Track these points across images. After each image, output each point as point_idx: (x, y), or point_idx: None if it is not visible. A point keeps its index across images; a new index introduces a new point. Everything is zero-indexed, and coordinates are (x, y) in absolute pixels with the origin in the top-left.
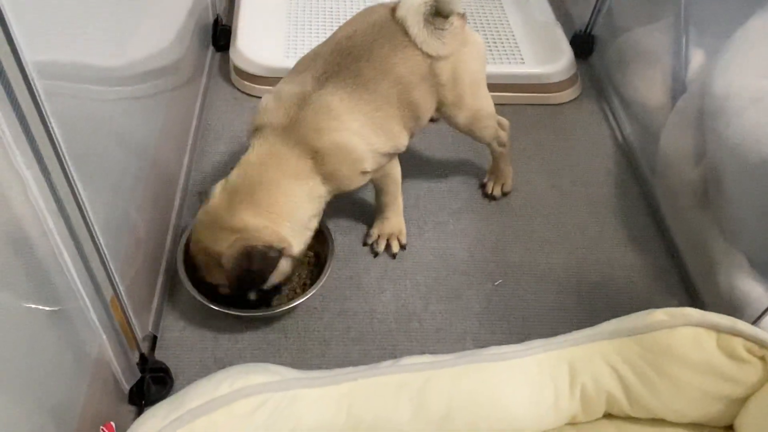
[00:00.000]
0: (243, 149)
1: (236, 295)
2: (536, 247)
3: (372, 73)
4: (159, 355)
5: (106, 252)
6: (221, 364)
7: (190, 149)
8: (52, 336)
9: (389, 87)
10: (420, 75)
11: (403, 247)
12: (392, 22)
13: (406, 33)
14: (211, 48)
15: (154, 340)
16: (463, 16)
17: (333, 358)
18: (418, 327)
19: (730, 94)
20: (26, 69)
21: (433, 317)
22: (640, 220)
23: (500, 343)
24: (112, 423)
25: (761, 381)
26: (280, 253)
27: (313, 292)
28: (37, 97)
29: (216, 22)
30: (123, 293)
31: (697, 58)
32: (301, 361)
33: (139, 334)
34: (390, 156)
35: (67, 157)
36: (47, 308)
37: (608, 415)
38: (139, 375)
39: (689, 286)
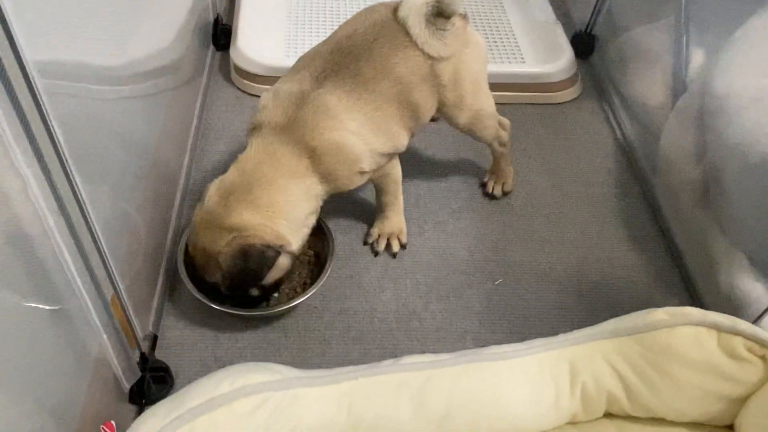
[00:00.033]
0: (243, 148)
1: (234, 292)
2: (537, 247)
3: (372, 72)
4: (159, 354)
5: (106, 251)
6: (221, 363)
7: (191, 148)
8: (53, 335)
9: (389, 87)
10: (420, 75)
11: (403, 246)
12: (393, 22)
13: (407, 33)
14: (212, 47)
15: (154, 340)
16: (464, 16)
17: (333, 357)
18: (418, 326)
19: (731, 94)
20: (27, 68)
21: (433, 316)
22: (641, 219)
23: (501, 342)
24: (113, 422)
25: (762, 380)
26: (278, 250)
27: (314, 291)
28: (38, 96)
29: (216, 21)
30: (123, 292)
31: (697, 58)
32: (301, 361)
33: (140, 334)
34: (389, 156)
35: (67, 156)
36: (47, 307)
37: (609, 415)
38: (139, 374)
39: (690, 286)
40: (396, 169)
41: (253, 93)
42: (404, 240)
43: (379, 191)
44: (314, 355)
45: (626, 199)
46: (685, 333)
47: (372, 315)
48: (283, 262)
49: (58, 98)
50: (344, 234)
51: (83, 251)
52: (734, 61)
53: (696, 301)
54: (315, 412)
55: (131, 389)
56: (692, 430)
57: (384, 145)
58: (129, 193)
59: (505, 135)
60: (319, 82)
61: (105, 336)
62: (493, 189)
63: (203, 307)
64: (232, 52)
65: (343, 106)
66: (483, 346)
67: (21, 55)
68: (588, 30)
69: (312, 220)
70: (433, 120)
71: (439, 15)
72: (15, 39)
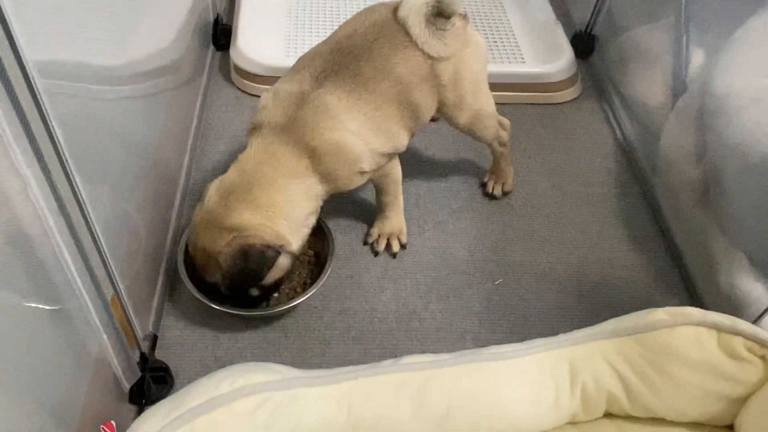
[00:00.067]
0: (243, 148)
1: (234, 292)
2: (537, 247)
3: (372, 72)
4: (159, 354)
5: (106, 251)
6: (221, 363)
7: (191, 148)
8: (53, 335)
9: (389, 87)
10: (420, 75)
11: (403, 246)
12: (393, 22)
13: (407, 33)
14: (212, 47)
15: (154, 340)
16: (465, 16)
17: (333, 357)
18: (418, 326)
19: (731, 94)
20: (27, 68)
21: (433, 316)
22: (641, 219)
23: (501, 342)
24: (113, 422)
25: (762, 380)
26: (278, 250)
27: (314, 291)
28: (38, 96)
29: (216, 21)
30: (123, 292)
31: (697, 58)
32: (301, 361)
33: (140, 334)
34: (389, 156)
35: (67, 156)
36: (47, 307)
37: (609, 415)
38: (139, 374)
39: (690, 286)
40: (396, 169)
41: (253, 93)
42: (404, 240)
43: (379, 191)
44: (314, 355)
45: (626, 199)
46: (685, 333)
47: (372, 315)
48: (283, 262)
49: (58, 98)
50: (344, 234)
51: (83, 251)
52: (734, 61)
53: (696, 301)
54: (315, 412)
55: (131, 389)
56: (692, 430)
57: (384, 145)
58: (129, 193)
59: (505, 135)
60: (319, 82)
61: (105, 336)
62: (493, 189)
63: (203, 307)
64: (232, 52)
65: (343, 106)
66: (483, 346)
67: (21, 55)
68: (588, 30)
69: (312, 220)
70: (433, 120)
71: (439, 15)
72: (15, 39)
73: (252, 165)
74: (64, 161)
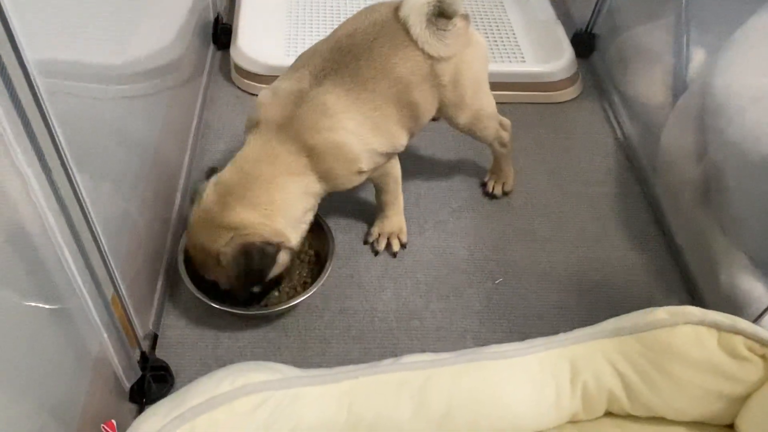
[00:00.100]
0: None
1: (238, 291)
2: (537, 246)
3: (371, 72)
4: (160, 353)
5: (107, 250)
6: (222, 362)
7: (191, 147)
8: (53, 334)
9: (388, 87)
10: (421, 75)
11: (403, 245)
12: (394, 22)
13: (407, 33)
14: (212, 46)
15: (154, 339)
16: (466, 17)
17: (334, 356)
18: (418, 325)
19: (731, 93)
20: (28, 67)
21: (433, 316)
22: (641, 218)
23: (501, 341)
24: (113, 421)
25: (762, 379)
26: (278, 246)
27: (314, 290)
28: (38, 96)
29: (216, 20)
30: (124, 291)
31: (698, 57)
32: (301, 360)
33: (140, 333)
34: (388, 156)
35: (68, 155)
36: (48, 306)
37: (609, 414)
38: (140, 373)
39: (690, 285)
40: (395, 168)
41: (254, 92)
42: (404, 239)
43: (379, 190)
44: (314, 354)
45: (627, 199)
46: (686, 332)
47: (372, 314)
48: (283, 258)
49: (59, 97)
50: (344, 233)
51: (84, 250)
52: (735, 61)
53: (696, 300)
54: (315, 411)
55: (132, 388)
56: (693, 429)
57: (382, 145)
58: (129, 192)
59: (506, 135)
60: (318, 80)
61: (105, 335)
62: (493, 189)
63: (204, 306)
64: (233, 51)
65: (341, 105)
66: (483, 345)
67: (22, 54)
68: (588, 29)
69: (309, 217)
70: (433, 119)
71: (441, 15)
72: (16, 38)
73: (250, 163)
74: (65, 160)
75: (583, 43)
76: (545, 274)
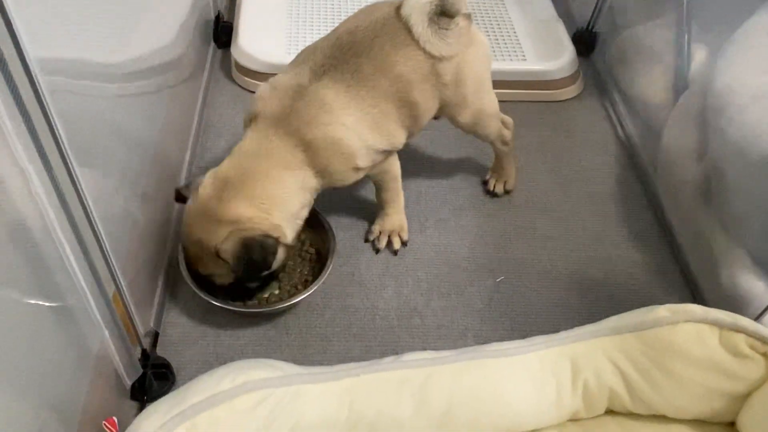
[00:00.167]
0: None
1: (239, 284)
2: (538, 244)
3: (371, 69)
4: (161, 350)
5: (108, 247)
6: (222, 360)
7: (192, 145)
8: (54, 332)
9: (389, 85)
10: (421, 74)
11: (404, 243)
12: (396, 20)
13: (409, 31)
14: (213, 44)
15: (155, 336)
16: (468, 16)
17: (334, 354)
18: (419, 323)
19: (733, 91)
20: (29, 65)
21: (434, 313)
22: (642, 216)
23: (502, 339)
24: (114, 418)
25: (763, 377)
26: (276, 239)
27: (315, 288)
28: (40, 93)
29: (217, 18)
30: (125, 289)
31: (699, 55)
32: (302, 358)
33: (141, 330)
34: (386, 153)
35: (69, 153)
36: (49, 304)
37: (610, 412)
38: (141, 371)
39: (691, 283)
40: (394, 166)
41: (254, 90)
42: (405, 237)
43: (379, 188)
44: (315, 352)
45: (628, 197)
46: (687, 330)
47: (373, 312)
48: (279, 254)
49: (60, 95)
50: (345, 231)
51: (85, 248)
52: (736, 59)
53: (698, 298)
54: (316, 409)
55: (133, 386)
56: (694, 427)
57: (380, 143)
58: (130, 190)
59: (508, 134)
60: (317, 76)
61: (106, 333)
62: (494, 187)
63: (204, 304)
64: (233, 49)
65: (340, 101)
66: (484, 343)
67: (23, 52)
68: (589, 27)
69: (304, 213)
70: (435, 118)
71: (443, 14)
72: (17, 36)
73: (247, 157)
74: (66, 157)
75: (584, 41)
76: (546, 272)
